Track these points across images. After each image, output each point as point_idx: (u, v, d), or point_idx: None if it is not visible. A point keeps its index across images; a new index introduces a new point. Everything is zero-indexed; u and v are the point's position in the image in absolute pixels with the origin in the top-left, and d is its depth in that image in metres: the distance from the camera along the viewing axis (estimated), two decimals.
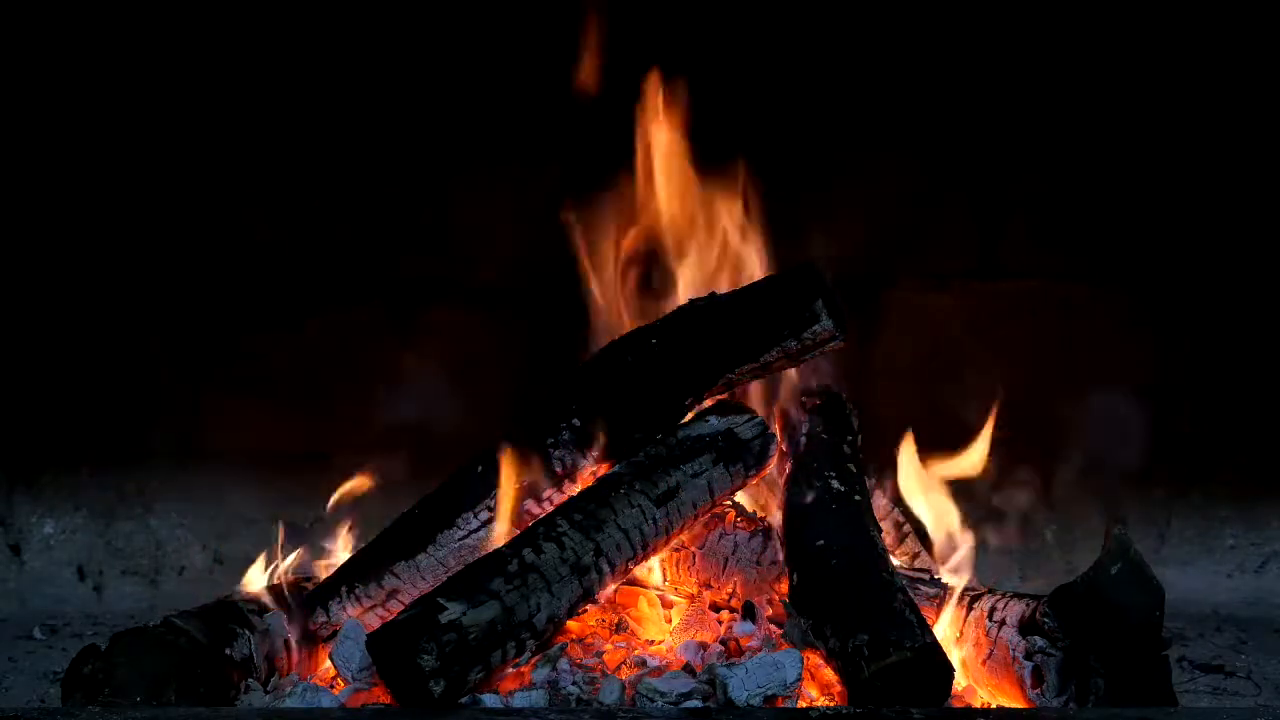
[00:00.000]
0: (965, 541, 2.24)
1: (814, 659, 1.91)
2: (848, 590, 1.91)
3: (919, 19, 2.88)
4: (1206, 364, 3.01)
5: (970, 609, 2.02)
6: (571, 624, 2.04)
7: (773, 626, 2.08)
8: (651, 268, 2.44)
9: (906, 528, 2.45)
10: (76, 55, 2.87)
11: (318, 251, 2.96)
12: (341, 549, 2.30)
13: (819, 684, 1.92)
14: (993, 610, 1.97)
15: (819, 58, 2.82)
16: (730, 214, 2.42)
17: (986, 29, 2.89)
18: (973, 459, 2.34)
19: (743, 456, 2.16)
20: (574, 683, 1.89)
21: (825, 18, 2.84)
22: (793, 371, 2.34)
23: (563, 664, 1.92)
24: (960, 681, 1.96)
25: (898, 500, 2.40)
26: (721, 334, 2.17)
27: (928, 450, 2.35)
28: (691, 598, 2.23)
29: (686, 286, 2.40)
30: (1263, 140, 2.94)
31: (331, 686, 1.99)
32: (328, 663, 2.06)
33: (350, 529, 2.33)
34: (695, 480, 2.10)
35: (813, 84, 2.78)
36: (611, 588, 2.09)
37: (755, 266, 2.40)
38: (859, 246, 2.87)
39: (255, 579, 2.20)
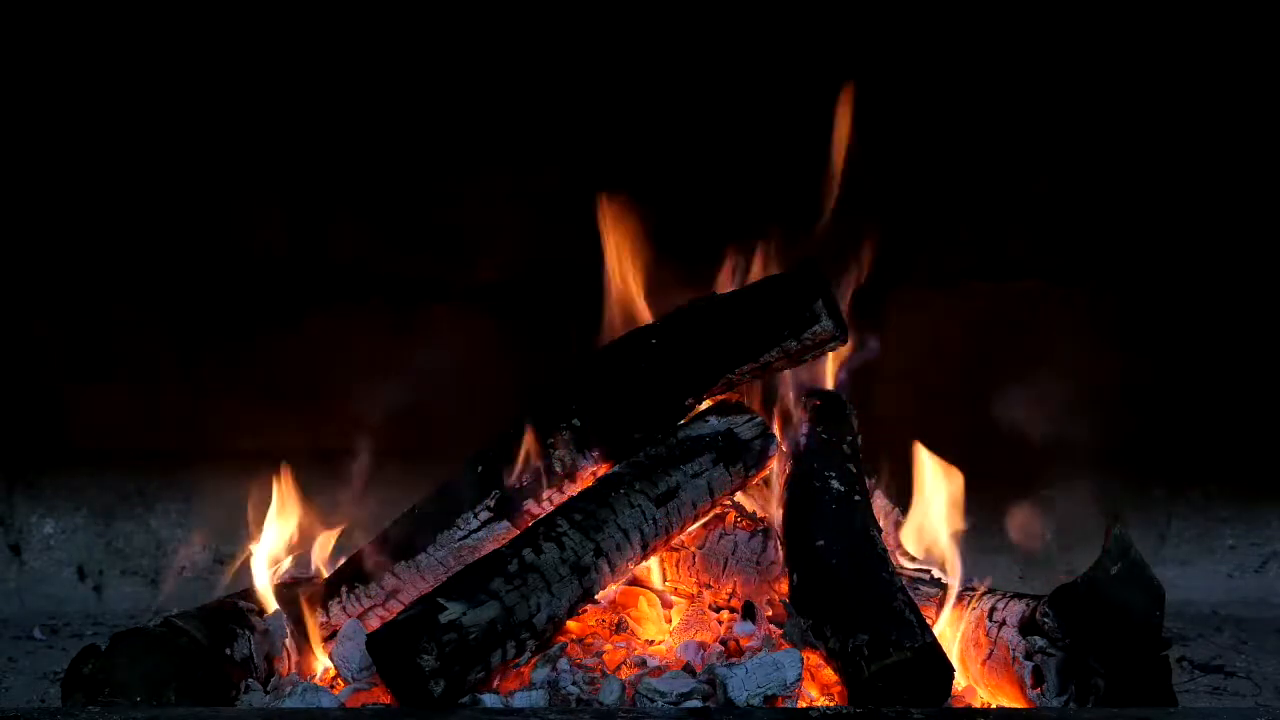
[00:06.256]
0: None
1: (814, 659, 1.91)
2: (848, 590, 1.91)
3: (919, 28, 2.89)
4: (1206, 364, 3.01)
5: (970, 609, 2.02)
6: (571, 624, 2.04)
7: (773, 626, 2.08)
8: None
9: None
10: (84, 54, 2.87)
11: (317, 252, 2.96)
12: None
13: (819, 684, 1.92)
14: (993, 610, 1.97)
15: (821, 63, 2.81)
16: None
17: (987, 37, 2.90)
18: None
19: (743, 456, 2.16)
20: (574, 683, 1.89)
21: (829, 23, 2.84)
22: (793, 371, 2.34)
23: (563, 664, 1.92)
24: (960, 681, 1.96)
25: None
26: (721, 334, 2.17)
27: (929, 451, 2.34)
28: (691, 598, 2.23)
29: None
30: (1259, 143, 2.94)
31: (331, 686, 1.99)
32: (328, 662, 2.06)
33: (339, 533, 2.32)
34: (695, 480, 2.10)
35: (816, 88, 2.77)
36: (611, 588, 2.09)
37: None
38: (862, 248, 2.88)
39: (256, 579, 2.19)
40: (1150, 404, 2.99)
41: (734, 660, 1.94)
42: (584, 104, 2.85)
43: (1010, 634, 1.90)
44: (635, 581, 2.21)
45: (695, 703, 1.82)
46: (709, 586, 2.22)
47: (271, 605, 2.08)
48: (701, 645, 2.04)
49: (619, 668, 1.97)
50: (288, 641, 2.05)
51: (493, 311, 2.97)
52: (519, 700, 1.83)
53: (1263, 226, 2.97)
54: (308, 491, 2.37)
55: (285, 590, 2.14)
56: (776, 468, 2.25)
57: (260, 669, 1.97)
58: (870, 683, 1.76)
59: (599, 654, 2.00)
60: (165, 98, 2.89)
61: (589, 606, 2.05)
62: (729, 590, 2.20)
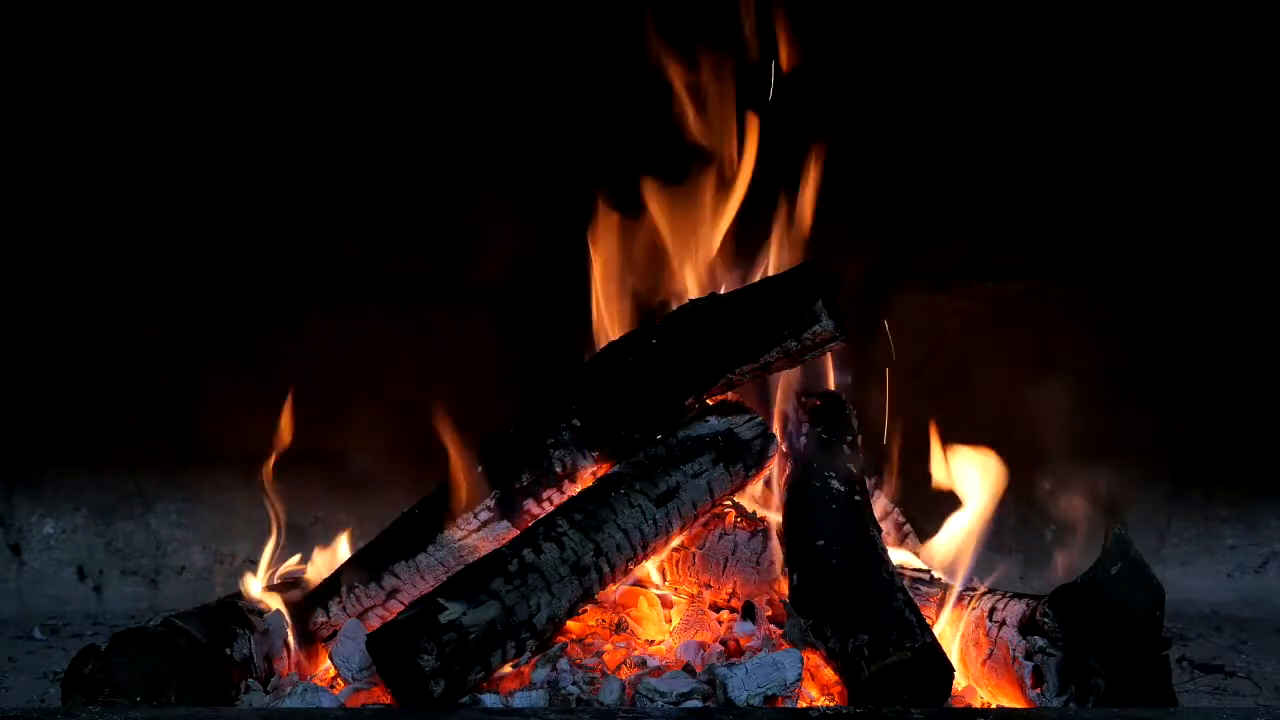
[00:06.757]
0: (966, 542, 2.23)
1: (814, 659, 1.91)
2: (848, 590, 1.91)
3: (917, 31, 2.89)
4: (1206, 364, 3.01)
5: (970, 609, 2.02)
6: (571, 624, 2.04)
7: (773, 626, 2.08)
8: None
9: (907, 528, 2.46)
10: (86, 54, 2.87)
11: (317, 252, 2.96)
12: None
13: (819, 684, 1.92)
14: (993, 610, 1.97)
15: (826, 69, 2.81)
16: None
17: (986, 42, 2.90)
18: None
19: (743, 456, 2.16)
20: (574, 683, 1.89)
21: (833, 28, 2.84)
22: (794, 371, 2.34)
23: (563, 664, 1.92)
24: (960, 681, 1.96)
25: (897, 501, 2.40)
26: (722, 334, 2.17)
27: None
28: (691, 598, 2.23)
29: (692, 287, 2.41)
30: (1254, 144, 2.94)
31: (331, 686, 1.99)
32: (328, 663, 2.06)
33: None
34: (695, 480, 2.10)
35: (820, 91, 2.78)
36: (612, 588, 2.09)
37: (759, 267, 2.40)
38: (862, 249, 2.88)
39: (254, 580, 2.20)
40: (1150, 404, 2.99)
41: (734, 660, 1.94)
42: (585, 102, 2.85)
43: (1010, 634, 1.90)
44: (635, 581, 2.21)
45: (695, 703, 1.82)
46: (709, 586, 2.22)
47: (271, 605, 2.08)
48: (701, 645, 2.04)
49: (619, 668, 1.97)
50: (289, 640, 2.05)
51: (493, 311, 2.97)
52: (519, 700, 1.83)
53: (1263, 227, 2.97)
54: (308, 492, 2.38)
55: (285, 590, 2.14)
56: (776, 468, 2.25)
57: (260, 669, 1.97)
58: (870, 683, 1.76)
59: (599, 654, 2.00)
60: (166, 98, 2.89)
61: (589, 606, 2.05)
62: (729, 590, 2.20)
